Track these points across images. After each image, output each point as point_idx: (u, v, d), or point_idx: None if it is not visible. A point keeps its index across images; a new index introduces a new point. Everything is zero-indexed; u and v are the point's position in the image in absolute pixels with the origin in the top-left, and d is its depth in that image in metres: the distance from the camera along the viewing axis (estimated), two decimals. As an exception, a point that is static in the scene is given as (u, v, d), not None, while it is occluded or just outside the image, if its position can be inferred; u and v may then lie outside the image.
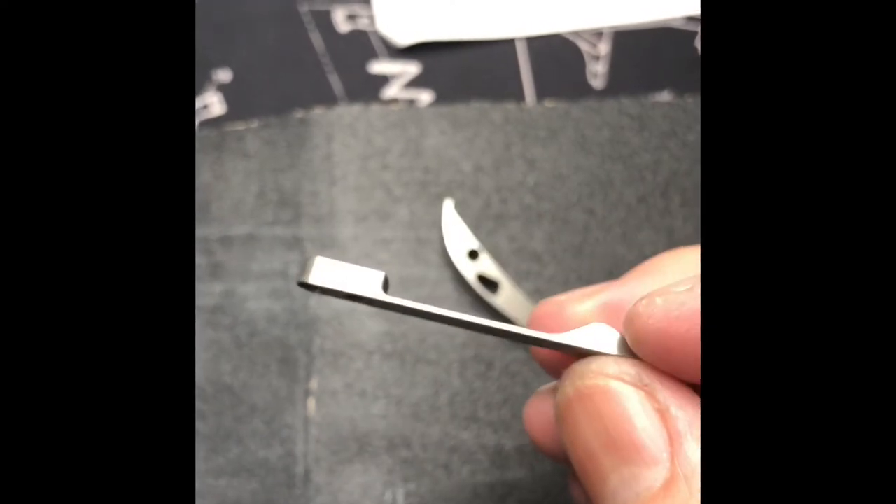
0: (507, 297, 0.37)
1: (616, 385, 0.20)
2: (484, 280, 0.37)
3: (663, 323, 0.19)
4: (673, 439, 0.19)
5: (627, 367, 0.20)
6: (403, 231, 0.38)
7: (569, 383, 0.21)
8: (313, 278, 0.21)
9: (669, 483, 0.18)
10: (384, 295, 0.21)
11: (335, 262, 0.21)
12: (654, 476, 0.18)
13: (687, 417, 0.19)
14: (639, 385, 0.20)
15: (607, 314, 0.23)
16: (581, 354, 0.21)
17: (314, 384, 0.35)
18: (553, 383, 0.25)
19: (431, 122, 0.41)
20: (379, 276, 0.21)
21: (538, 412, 0.25)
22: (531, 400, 0.26)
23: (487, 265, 0.37)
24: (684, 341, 0.19)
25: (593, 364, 0.20)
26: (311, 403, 0.35)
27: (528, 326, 0.24)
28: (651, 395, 0.19)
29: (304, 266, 0.21)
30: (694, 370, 0.19)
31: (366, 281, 0.21)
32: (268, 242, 0.38)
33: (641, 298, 0.20)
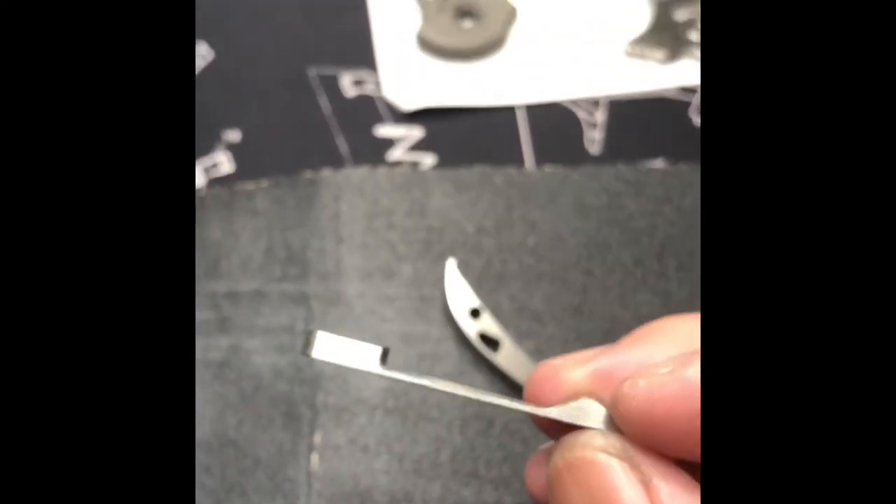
0: (508, 355, 0.37)
1: (602, 457, 0.21)
2: (485, 338, 0.38)
3: (645, 405, 0.21)
4: None
5: (613, 441, 0.21)
6: (407, 289, 0.39)
7: (558, 454, 0.22)
8: (315, 353, 0.22)
9: None
10: (381, 369, 0.22)
11: (336, 337, 0.22)
12: None
13: (669, 488, 0.20)
14: (623, 458, 0.21)
15: (599, 381, 0.24)
16: (571, 426, 0.22)
17: (318, 439, 0.36)
18: (551, 443, 0.26)
19: (435, 185, 0.42)
20: (376, 350, 0.23)
21: (538, 471, 0.26)
22: (531, 459, 0.27)
23: (488, 323, 0.38)
24: (666, 421, 0.20)
25: (581, 437, 0.21)
26: (315, 458, 0.36)
27: (526, 388, 0.25)
28: (635, 467, 0.20)
29: (307, 340, 0.23)
30: (677, 447, 0.21)
31: (364, 355, 0.23)
32: (275, 298, 0.39)
33: (626, 379, 0.21)
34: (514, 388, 0.37)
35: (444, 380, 0.24)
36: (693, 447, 0.20)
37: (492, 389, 0.37)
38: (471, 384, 0.37)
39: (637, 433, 0.21)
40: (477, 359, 0.38)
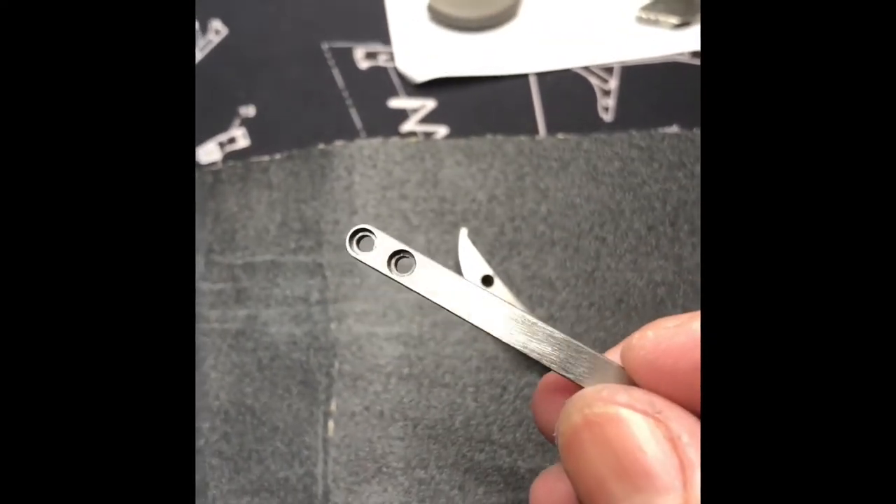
0: None
1: (626, 413, 0.19)
2: None
3: (653, 354, 0.20)
4: (685, 467, 0.18)
5: (639, 395, 0.20)
6: (420, 258, 0.39)
7: (576, 411, 0.20)
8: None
9: None
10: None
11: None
12: None
13: (697, 445, 0.19)
14: (650, 413, 0.19)
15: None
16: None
17: (333, 406, 0.36)
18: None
19: (447, 154, 0.42)
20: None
21: (548, 491, 0.25)
22: (539, 479, 0.25)
23: (500, 291, 0.38)
24: (672, 371, 0.20)
25: (603, 391, 0.20)
26: (331, 425, 0.36)
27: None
28: (662, 423, 0.19)
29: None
30: (683, 398, 0.20)
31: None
32: (290, 269, 0.39)
33: (636, 332, 0.21)
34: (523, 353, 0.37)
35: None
36: (697, 398, 0.20)
37: (503, 356, 0.38)
38: (482, 351, 0.37)
39: (645, 384, 0.20)
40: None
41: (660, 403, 0.20)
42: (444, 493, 0.35)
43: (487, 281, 0.38)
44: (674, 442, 0.19)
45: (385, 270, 0.25)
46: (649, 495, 0.18)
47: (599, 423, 0.20)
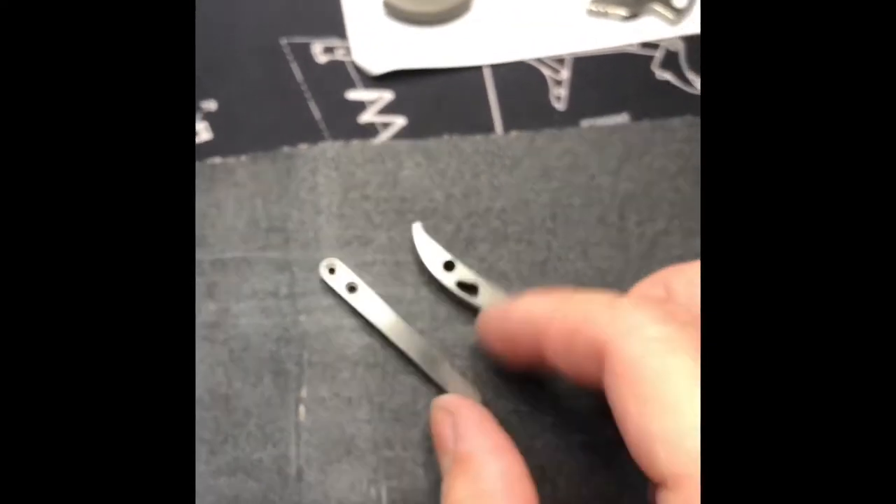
0: (487, 296, 0.42)
1: (440, 409, 0.37)
2: (462, 286, 0.43)
3: (483, 326, 0.39)
4: (458, 438, 0.34)
5: (449, 400, 0.38)
6: (383, 255, 0.44)
7: (434, 407, 0.38)
8: None
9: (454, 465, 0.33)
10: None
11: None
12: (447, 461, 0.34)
13: (471, 427, 0.35)
14: (450, 410, 0.36)
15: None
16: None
17: (304, 393, 0.41)
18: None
19: (407, 156, 0.46)
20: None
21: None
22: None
23: (463, 272, 0.43)
24: (496, 336, 0.38)
25: (442, 399, 0.38)
26: (302, 410, 0.41)
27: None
28: (452, 414, 0.35)
29: None
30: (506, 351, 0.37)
31: None
32: (259, 265, 0.44)
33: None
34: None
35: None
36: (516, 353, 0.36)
37: (463, 345, 0.43)
38: (443, 340, 0.42)
39: (488, 343, 0.39)
40: (450, 314, 0.43)
41: (457, 404, 0.36)
42: (410, 471, 0.40)
43: (449, 266, 0.43)
44: (455, 425, 0.34)
45: (343, 293, 0.43)
46: (443, 454, 0.35)
47: (435, 415, 0.37)
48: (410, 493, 0.40)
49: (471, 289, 0.43)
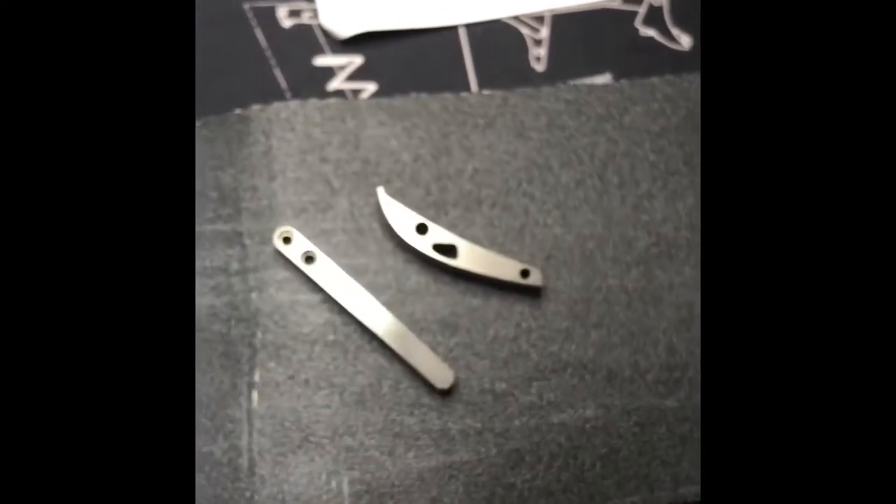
0: (468, 256, 0.38)
1: None
2: (440, 248, 0.39)
3: None
4: None
5: None
6: (343, 222, 0.40)
7: None
8: None
9: None
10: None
11: None
12: None
13: None
14: None
15: None
16: None
17: (257, 377, 0.37)
18: None
19: (370, 115, 0.42)
20: None
21: None
22: None
23: (439, 233, 0.39)
24: None
25: None
26: (255, 396, 0.37)
27: None
28: None
29: None
30: None
31: None
32: (208, 239, 0.40)
33: None
34: (481, 283, 0.39)
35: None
36: None
37: (432, 318, 0.38)
38: (411, 314, 0.38)
39: None
40: (420, 285, 0.39)
41: None
42: (374, 460, 0.36)
43: (422, 229, 0.39)
44: None
45: (299, 264, 0.38)
46: None
47: None
48: (375, 484, 0.36)
49: (449, 250, 0.39)
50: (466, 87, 0.46)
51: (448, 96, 0.43)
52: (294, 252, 0.39)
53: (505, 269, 0.39)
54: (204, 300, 0.38)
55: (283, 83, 0.47)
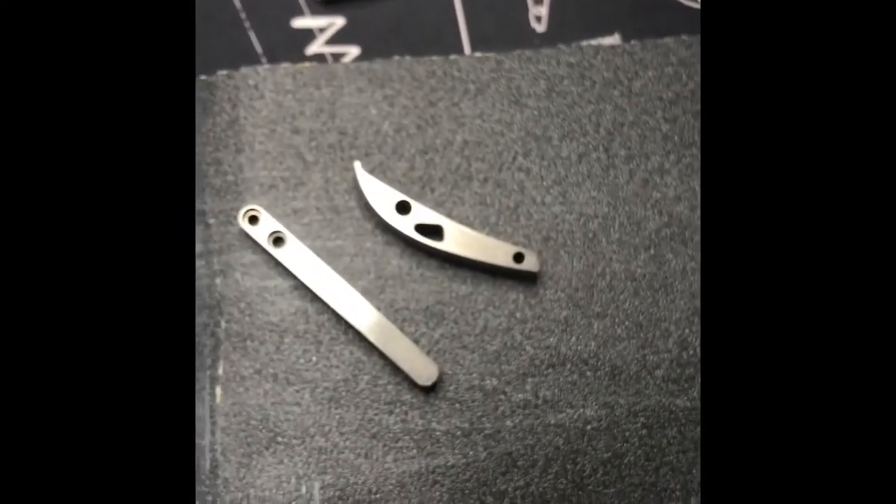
0: (455, 238, 0.34)
1: None
2: (423, 228, 0.34)
3: None
4: None
5: None
6: (317, 200, 0.36)
7: None
8: None
9: None
10: None
11: None
12: None
13: None
14: None
15: None
16: None
17: (220, 371, 0.33)
18: None
19: (347, 81, 0.38)
20: None
21: None
22: None
23: (423, 213, 0.35)
24: None
25: None
26: (218, 391, 0.33)
27: None
28: None
29: None
30: None
31: None
32: (170, 218, 0.35)
33: None
34: (470, 268, 0.35)
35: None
36: None
37: (415, 307, 0.34)
38: (391, 303, 0.34)
39: None
40: (401, 270, 0.35)
41: None
42: (349, 462, 0.32)
43: (404, 207, 0.35)
44: None
45: (267, 246, 0.34)
46: None
47: None
48: (350, 490, 0.32)
49: (434, 231, 0.34)
50: (459, 51, 0.41)
51: (435, 59, 0.39)
52: (261, 233, 0.34)
53: (497, 252, 0.34)
54: (164, 286, 0.34)
55: (258, 47, 0.42)
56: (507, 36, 0.42)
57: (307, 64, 0.39)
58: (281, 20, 0.43)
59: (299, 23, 0.43)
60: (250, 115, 0.37)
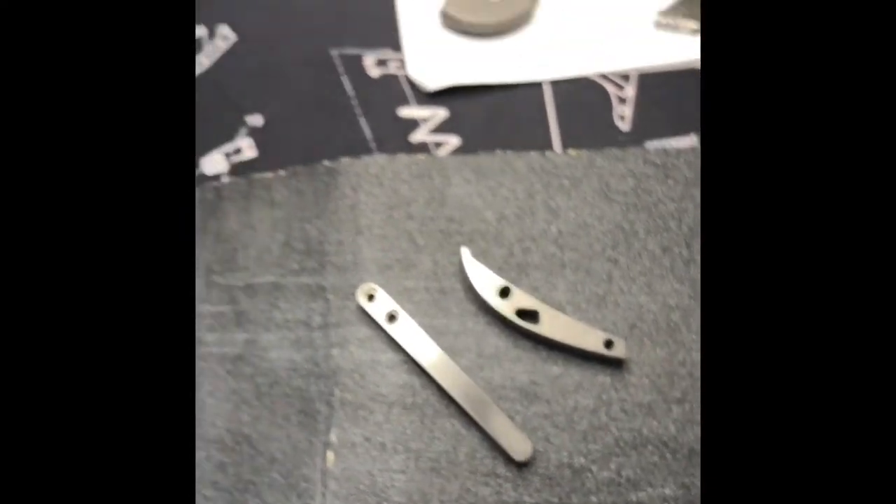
0: (551, 323, 0.35)
1: None
2: (523, 313, 0.35)
3: None
4: None
5: None
6: (426, 281, 0.37)
7: None
8: None
9: None
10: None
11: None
12: None
13: None
14: None
15: None
16: None
17: (333, 437, 0.34)
18: None
19: (455, 172, 0.39)
20: None
21: None
22: None
23: (522, 298, 0.36)
24: None
25: None
26: (330, 456, 0.34)
27: None
28: None
29: None
30: None
31: None
32: (292, 291, 0.37)
33: None
34: (563, 351, 0.36)
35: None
36: None
37: (511, 385, 0.35)
38: (489, 380, 0.35)
39: None
40: (499, 350, 0.36)
41: None
42: (447, 529, 0.33)
43: (505, 292, 0.36)
44: None
45: (382, 323, 0.35)
46: None
47: None
48: (448, 554, 0.32)
49: (532, 316, 0.35)
50: (549, 144, 0.43)
51: (534, 155, 0.40)
52: (377, 310, 0.36)
53: (588, 338, 0.35)
54: (284, 353, 0.36)
55: (367, 132, 0.44)
56: (594, 133, 0.43)
57: (421, 156, 0.40)
58: (389, 109, 0.45)
59: (405, 112, 0.45)
60: (370, 200, 0.39)
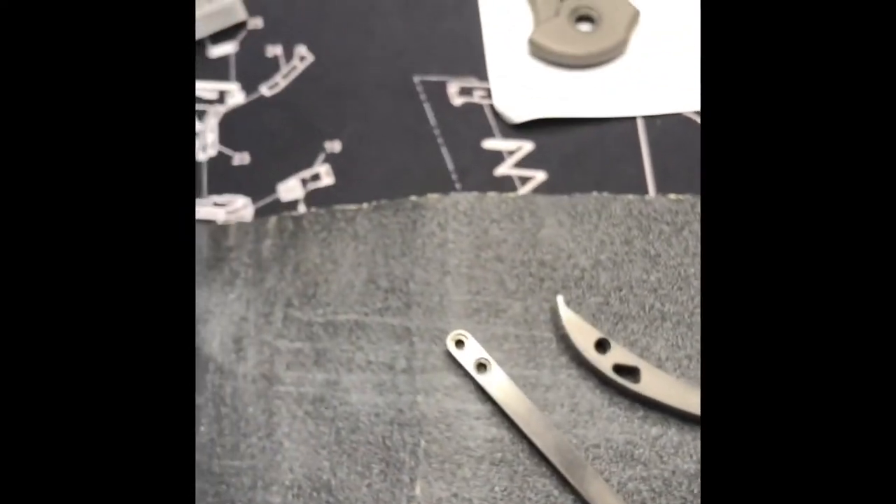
0: (652, 382, 0.32)
1: None
2: (621, 369, 0.33)
3: None
4: None
5: None
6: (516, 328, 0.34)
7: None
8: None
9: None
10: None
11: None
12: None
13: None
14: None
15: None
16: None
17: (418, 490, 0.32)
18: None
19: (548, 213, 0.37)
20: None
21: None
22: None
23: (620, 353, 0.33)
24: None
25: None
26: (414, 511, 0.32)
27: None
28: None
29: None
30: None
31: None
32: (375, 331, 0.35)
33: None
34: (661, 411, 0.33)
35: None
36: None
37: (606, 445, 0.32)
38: (583, 438, 0.32)
39: None
40: (594, 406, 0.33)
41: None
42: None
43: (603, 345, 0.33)
44: None
45: (472, 372, 0.33)
46: None
47: None
48: None
49: (631, 373, 0.33)
50: (642, 184, 0.40)
51: (632, 198, 0.37)
52: (467, 357, 0.33)
53: (690, 400, 0.32)
54: (366, 397, 0.33)
55: (449, 163, 0.42)
56: (690, 173, 0.41)
57: (511, 195, 0.38)
58: (472, 140, 0.43)
59: (490, 144, 0.43)
60: (458, 239, 0.36)
